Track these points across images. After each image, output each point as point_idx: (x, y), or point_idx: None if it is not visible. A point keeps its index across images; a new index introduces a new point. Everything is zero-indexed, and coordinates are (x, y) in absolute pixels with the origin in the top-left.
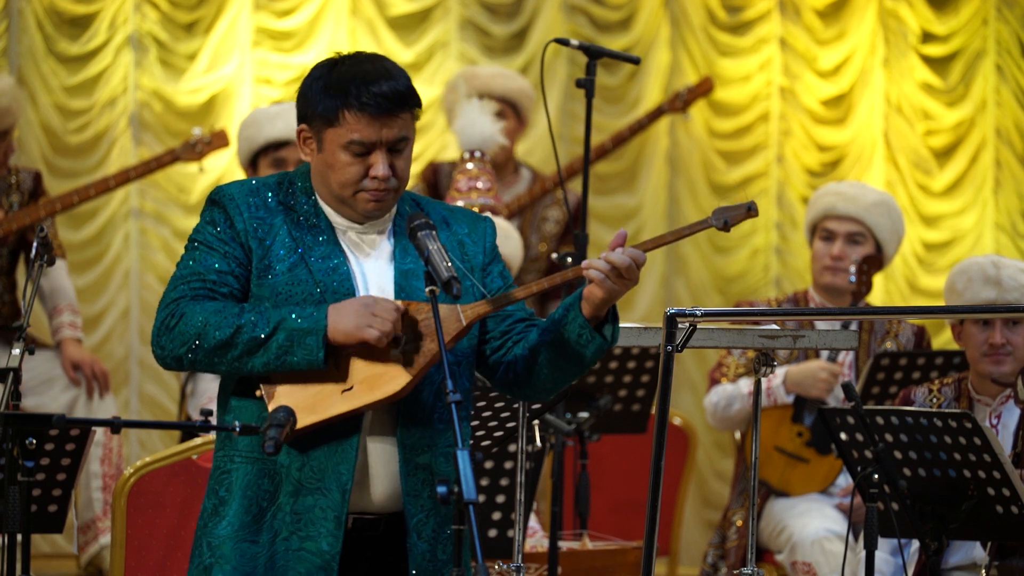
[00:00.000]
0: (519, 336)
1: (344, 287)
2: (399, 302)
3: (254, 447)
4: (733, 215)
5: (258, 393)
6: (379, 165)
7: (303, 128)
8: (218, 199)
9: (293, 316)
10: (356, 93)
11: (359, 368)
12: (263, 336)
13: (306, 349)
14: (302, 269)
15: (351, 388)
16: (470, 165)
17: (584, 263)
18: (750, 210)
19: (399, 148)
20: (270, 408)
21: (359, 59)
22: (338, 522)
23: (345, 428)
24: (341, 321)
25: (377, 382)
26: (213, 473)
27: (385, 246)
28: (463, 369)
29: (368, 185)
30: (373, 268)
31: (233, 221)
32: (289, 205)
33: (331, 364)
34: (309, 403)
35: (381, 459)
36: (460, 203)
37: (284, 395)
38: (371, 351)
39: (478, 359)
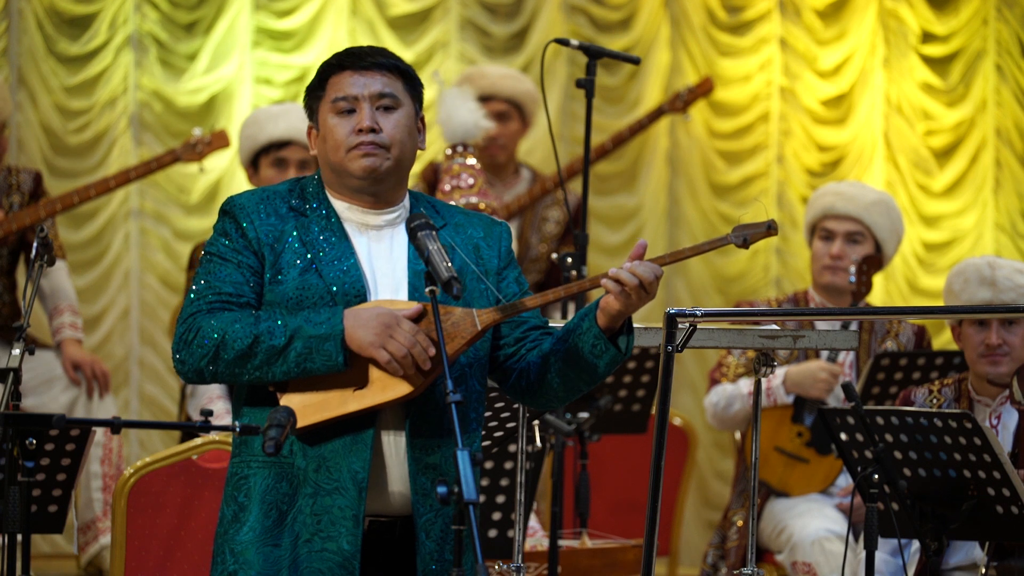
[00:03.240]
0: (533, 344)
1: (356, 288)
2: (416, 307)
3: None
4: (752, 233)
5: (271, 389)
6: (364, 117)
7: (310, 127)
8: (229, 209)
9: (309, 323)
10: (338, 59)
11: (372, 369)
12: (280, 345)
13: (325, 355)
14: (313, 273)
15: (362, 388)
16: (452, 163)
17: (611, 274)
18: (770, 228)
19: (387, 106)
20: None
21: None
22: (356, 520)
23: (358, 429)
24: (358, 331)
25: (389, 382)
26: (230, 479)
27: (398, 247)
28: (475, 371)
29: (353, 141)
30: (385, 269)
31: (244, 230)
32: (300, 211)
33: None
34: (321, 402)
35: (395, 459)
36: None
37: (294, 396)
38: None
39: (491, 365)
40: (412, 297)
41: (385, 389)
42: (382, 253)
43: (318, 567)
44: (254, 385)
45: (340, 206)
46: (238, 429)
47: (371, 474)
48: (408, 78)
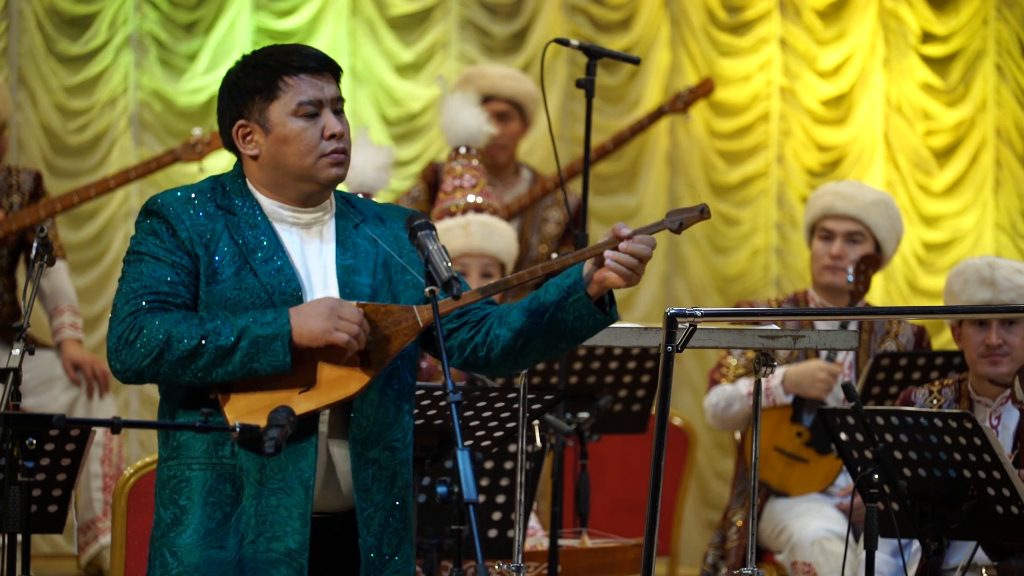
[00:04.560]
0: (482, 315)
1: (291, 287)
2: (358, 305)
3: (212, 452)
4: (687, 217)
5: (212, 396)
6: (332, 122)
7: (240, 124)
8: (155, 209)
9: (255, 323)
10: (287, 59)
11: (317, 369)
12: (228, 345)
13: (272, 355)
14: (247, 273)
15: (308, 389)
16: (454, 164)
17: (610, 257)
18: (703, 213)
19: (339, 109)
20: (226, 412)
21: (267, 47)
22: (304, 520)
23: (303, 427)
24: (306, 324)
25: (335, 383)
26: (167, 483)
27: (326, 243)
28: (406, 364)
29: (327, 148)
30: (316, 265)
31: (176, 230)
32: (227, 209)
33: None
34: (267, 405)
35: (341, 456)
36: (447, 204)
37: (240, 398)
38: (328, 353)
39: (427, 345)
40: (343, 294)
41: (331, 390)
42: (313, 250)
43: (264, 568)
44: (193, 387)
45: (268, 204)
46: (238, 429)
47: (319, 471)
48: (340, 79)
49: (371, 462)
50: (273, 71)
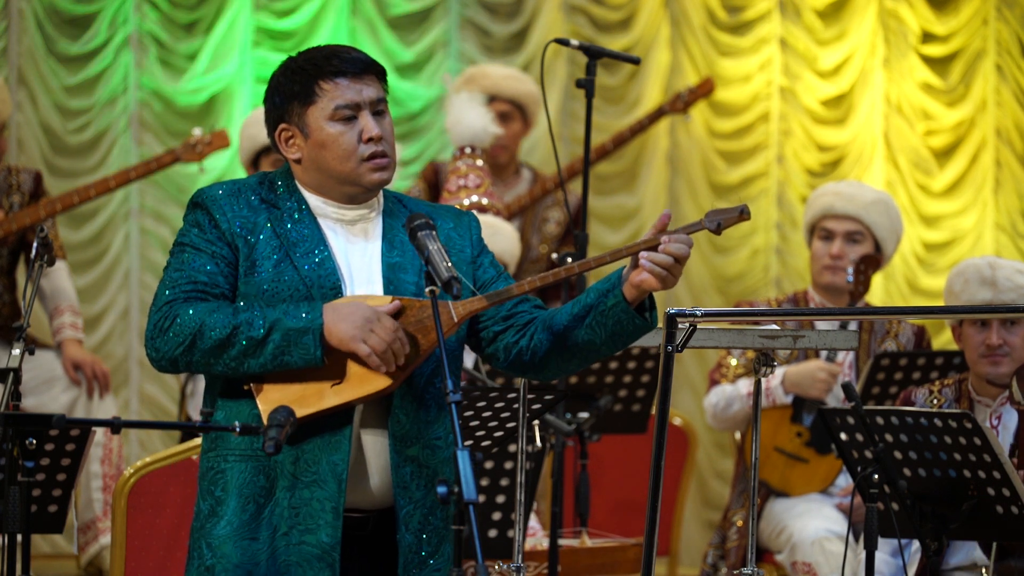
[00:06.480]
0: (529, 318)
1: (330, 282)
2: (394, 299)
3: (247, 445)
4: (726, 218)
5: (246, 387)
6: (370, 125)
7: (283, 128)
8: (200, 201)
9: (288, 316)
10: (324, 63)
11: (350, 363)
12: (259, 337)
13: (303, 348)
14: (287, 266)
15: (340, 383)
16: (459, 164)
17: (644, 257)
18: (742, 214)
19: (380, 110)
20: (259, 403)
21: (310, 49)
22: (336, 513)
23: (337, 421)
24: (338, 325)
25: (367, 377)
26: (205, 474)
27: (371, 240)
28: (449, 363)
29: (365, 152)
30: (359, 262)
31: (217, 222)
32: (272, 203)
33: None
34: (299, 397)
35: (375, 452)
36: (451, 204)
37: (273, 390)
38: None
39: (475, 345)
40: (387, 291)
41: (363, 384)
42: (356, 247)
43: (296, 560)
44: (230, 378)
45: (314, 200)
46: (238, 429)
47: (352, 466)
48: (384, 79)
49: (410, 460)
50: (310, 76)
